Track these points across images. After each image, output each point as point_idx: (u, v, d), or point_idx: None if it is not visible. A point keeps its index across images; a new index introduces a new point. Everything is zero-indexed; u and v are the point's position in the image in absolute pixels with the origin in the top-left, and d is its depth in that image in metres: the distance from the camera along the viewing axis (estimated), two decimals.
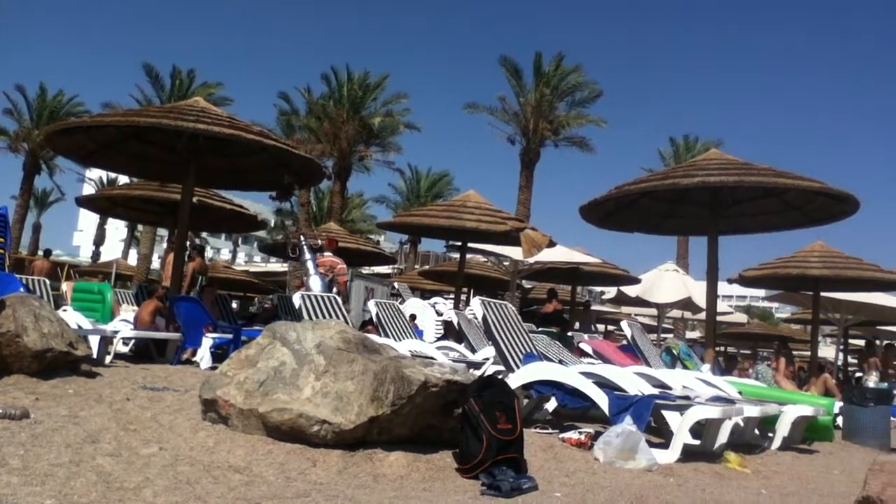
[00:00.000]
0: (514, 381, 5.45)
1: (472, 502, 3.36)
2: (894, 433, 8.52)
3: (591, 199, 10.06)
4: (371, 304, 9.53)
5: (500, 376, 5.61)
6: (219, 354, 7.72)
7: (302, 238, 10.67)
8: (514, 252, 13.84)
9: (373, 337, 7.71)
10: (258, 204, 36.23)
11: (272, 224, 37.10)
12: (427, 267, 29.51)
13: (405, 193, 41.35)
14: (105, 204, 16.08)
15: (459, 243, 13.63)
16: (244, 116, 10.21)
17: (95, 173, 41.47)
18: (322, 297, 7.99)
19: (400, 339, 8.76)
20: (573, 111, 27.68)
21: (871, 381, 8.28)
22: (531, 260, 14.44)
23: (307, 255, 10.33)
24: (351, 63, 32.84)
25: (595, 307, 27.83)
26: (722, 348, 28.80)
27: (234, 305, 18.51)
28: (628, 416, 4.80)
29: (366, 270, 23.94)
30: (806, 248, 13.15)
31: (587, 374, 5.55)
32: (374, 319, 9.36)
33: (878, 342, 21.03)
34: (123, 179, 22.95)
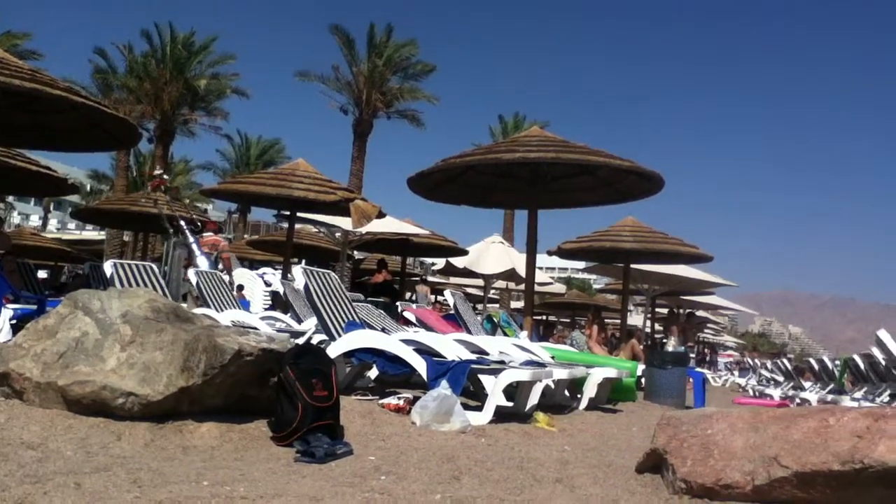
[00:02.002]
0: (336, 349, 5.46)
1: (284, 469, 3.34)
2: (689, 393, 9.35)
3: (419, 171, 10.18)
4: (191, 274, 9.18)
5: (322, 345, 5.62)
6: (21, 327, 7.17)
7: (183, 222, 10.76)
8: (344, 222, 13.77)
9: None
10: (71, 167, 33.78)
11: (88, 189, 34.75)
12: (256, 237, 28.78)
13: (234, 161, 40.02)
14: None
15: (288, 213, 13.37)
16: (56, 72, 9.47)
17: None
18: (136, 266, 7.61)
19: (222, 310, 8.52)
20: (406, 84, 27.85)
21: (671, 345, 9.02)
22: (362, 230, 14.45)
23: (190, 239, 10.45)
24: (175, 22, 31.20)
25: (427, 278, 28.31)
26: (543, 317, 30.25)
27: (43, 275, 17.23)
28: (445, 381, 4.94)
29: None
30: (619, 223, 13.98)
31: (408, 342, 5.66)
32: (195, 289, 9.06)
33: (680, 310, 22.87)
34: None
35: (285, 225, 16.25)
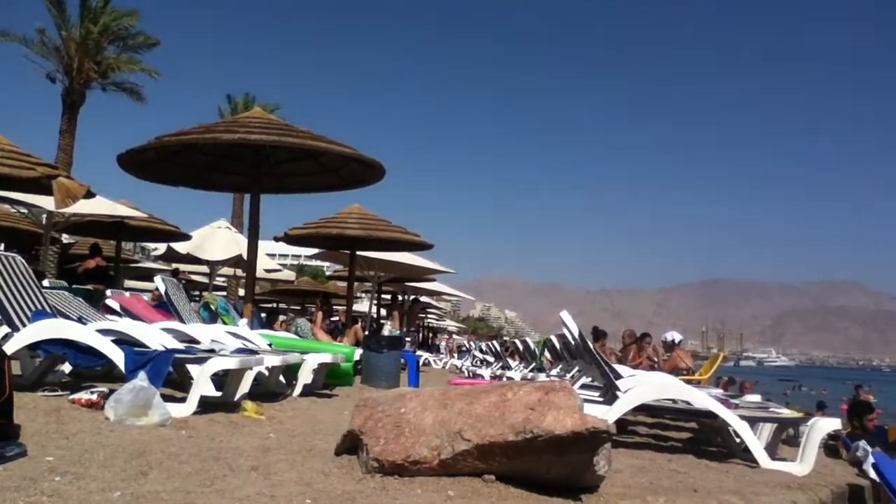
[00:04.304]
0: (19, 341, 4.94)
1: None
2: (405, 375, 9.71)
3: (131, 147, 9.48)
4: None
5: (5, 338, 5.05)
6: None
7: None
8: (47, 202, 12.50)
9: None
10: None
11: None
12: None
13: None
14: None
15: None
16: None
17: None
18: None
19: None
20: (125, 55, 25.83)
21: (387, 329, 9.30)
22: (69, 211, 13.23)
23: None
24: None
25: (147, 264, 26.67)
26: (273, 304, 29.83)
27: None
28: (143, 372, 4.66)
29: None
30: (345, 209, 14.12)
31: (106, 332, 5.27)
32: None
33: (406, 297, 23.73)
34: None
35: None
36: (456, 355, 24.15)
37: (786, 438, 6.58)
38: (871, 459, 5.27)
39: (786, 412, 6.45)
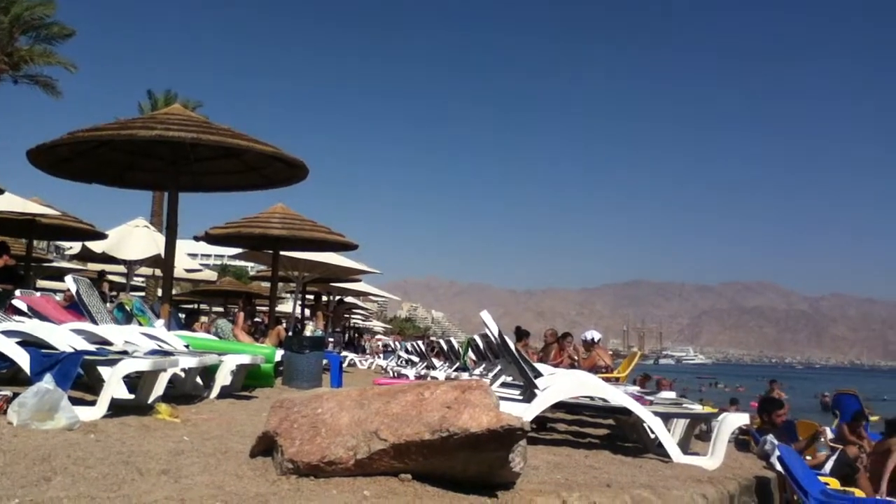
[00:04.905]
0: None
1: None
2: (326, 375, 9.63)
3: (41, 143, 9.11)
4: None
5: None
6: None
7: None
8: None
9: None
10: None
11: None
12: None
13: None
14: None
15: None
16: None
17: None
18: None
19: None
20: (38, 47, 24.85)
21: (309, 330, 9.20)
22: None
23: None
24: None
25: (61, 264, 25.70)
26: (195, 305, 29.17)
27: None
28: (49, 375, 4.49)
29: None
30: (269, 209, 13.91)
31: (10, 333, 5.06)
32: None
33: (331, 297, 23.53)
34: None
35: None
36: (381, 356, 24.06)
37: (699, 434, 6.80)
38: (776, 453, 5.47)
39: (698, 408, 6.66)
